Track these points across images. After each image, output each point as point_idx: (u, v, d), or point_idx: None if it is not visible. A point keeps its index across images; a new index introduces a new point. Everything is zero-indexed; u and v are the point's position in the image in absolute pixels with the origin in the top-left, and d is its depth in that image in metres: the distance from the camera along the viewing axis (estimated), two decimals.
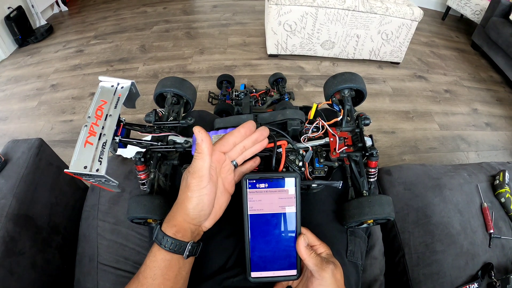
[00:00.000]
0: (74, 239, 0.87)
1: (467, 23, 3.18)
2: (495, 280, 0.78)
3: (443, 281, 0.81)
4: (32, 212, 0.80)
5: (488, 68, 2.60)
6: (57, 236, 0.87)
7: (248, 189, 0.50)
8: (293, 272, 0.51)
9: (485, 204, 0.90)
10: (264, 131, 0.52)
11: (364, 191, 0.62)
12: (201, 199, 0.46)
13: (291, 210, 0.50)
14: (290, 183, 0.50)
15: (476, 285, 0.78)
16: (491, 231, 0.86)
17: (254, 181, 0.50)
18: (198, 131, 0.45)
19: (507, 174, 0.94)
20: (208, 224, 0.51)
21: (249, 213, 0.50)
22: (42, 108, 2.12)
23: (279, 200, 0.50)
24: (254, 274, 0.51)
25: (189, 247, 0.47)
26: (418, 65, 2.54)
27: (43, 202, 0.85)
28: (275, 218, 0.50)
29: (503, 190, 0.91)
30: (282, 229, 0.51)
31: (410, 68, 2.50)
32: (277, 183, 0.50)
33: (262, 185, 0.50)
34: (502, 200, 0.91)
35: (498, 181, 0.94)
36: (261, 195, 0.50)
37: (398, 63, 2.50)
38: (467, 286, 0.78)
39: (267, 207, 0.50)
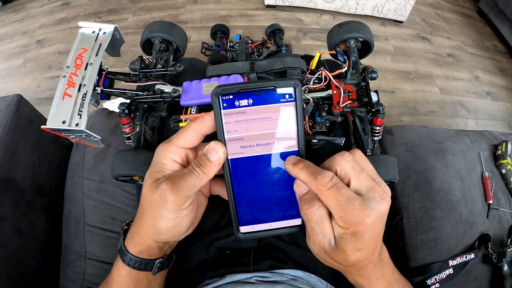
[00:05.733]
0: (60, 200, 0.83)
1: None
2: (491, 252, 0.77)
3: (440, 249, 0.79)
4: (14, 174, 0.76)
5: (492, 37, 2.53)
6: (42, 198, 0.83)
7: (222, 110, 0.34)
8: (297, 221, 0.38)
9: (486, 174, 0.88)
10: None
11: (368, 150, 0.58)
12: (178, 221, 0.36)
13: (290, 136, 0.35)
14: (286, 95, 0.34)
15: (472, 255, 0.77)
16: (490, 201, 0.84)
17: (231, 97, 0.34)
18: (217, 146, 0.34)
19: (509, 145, 0.92)
20: (183, 237, 0.41)
21: (228, 147, 0.36)
22: (28, 66, 2.04)
23: (271, 122, 0.35)
24: (243, 229, 0.38)
25: (158, 264, 0.41)
26: (422, 25, 2.46)
27: (25, 163, 0.81)
28: (267, 151, 0.36)
29: (504, 161, 0.90)
30: (278, 165, 0.36)
31: (413, 28, 2.41)
32: (266, 97, 0.34)
33: (244, 102, 0.34)
34: (503, 171, 0.89)
35: (500, 151, 0.92)
36: (244, 116, 0.35)
37: (401, 22, 2.40)
38: (464, 256, 0.77)
39: (254, 136, 0.36)
